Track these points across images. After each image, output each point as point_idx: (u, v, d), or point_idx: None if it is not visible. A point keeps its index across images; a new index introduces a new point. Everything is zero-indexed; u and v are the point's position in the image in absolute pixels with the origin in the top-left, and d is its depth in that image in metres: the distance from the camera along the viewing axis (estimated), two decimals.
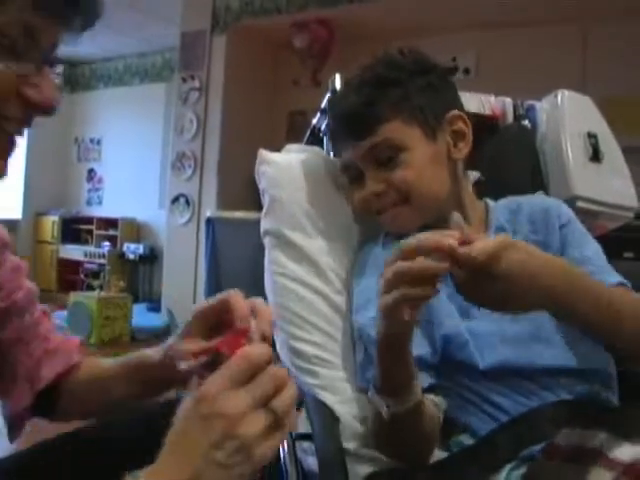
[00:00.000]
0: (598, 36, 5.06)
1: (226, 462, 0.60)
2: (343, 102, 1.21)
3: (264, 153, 1.37)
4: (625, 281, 1.07)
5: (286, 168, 1.33)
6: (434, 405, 1.01)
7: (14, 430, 1.00)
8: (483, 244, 0.78)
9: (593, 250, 1.14)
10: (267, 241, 1.30)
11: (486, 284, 0.80)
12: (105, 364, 1.04)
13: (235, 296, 0.83)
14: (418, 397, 0.93)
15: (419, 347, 1.02)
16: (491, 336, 1.06)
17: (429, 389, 1.01)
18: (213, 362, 0.68)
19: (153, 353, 0.94)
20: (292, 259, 1.26)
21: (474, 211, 1.21)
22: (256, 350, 0.65)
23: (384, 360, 0.92)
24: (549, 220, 1.16)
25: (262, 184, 1.34)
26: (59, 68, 0.76)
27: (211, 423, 0.60)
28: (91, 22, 0.75)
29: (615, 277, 1.08)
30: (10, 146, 0.74)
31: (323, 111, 1.64)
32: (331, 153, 1.42)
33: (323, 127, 1.30)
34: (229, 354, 0.66)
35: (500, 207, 1.23)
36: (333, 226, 1.29)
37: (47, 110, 0.73)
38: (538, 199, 1.26)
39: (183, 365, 0.77)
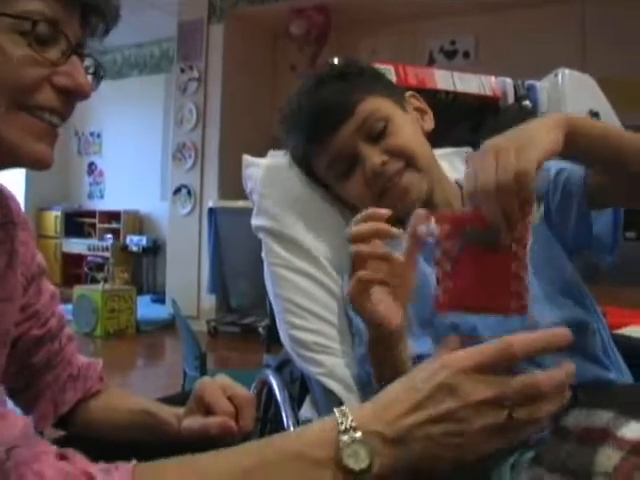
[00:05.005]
0: (596, 16, 5.03)
1: (436, 439, 0.57)
2: (311, 100, 1.20)
3: (249, 158, 1.40)
4: None
5: (272, 168, 1.35)
6: None
7: None
8: None
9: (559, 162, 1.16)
10: (261, 235, 1.32)
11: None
12: (122, 406, 1.06)
13: (208, 389, 0.96)
14: None
15: (422, 345, 1.01)
16: None
17: None
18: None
19: (172, 420, 0.98)
20: (286, 249, 1.27)
21: (452, 192, 1.20)
22: (520, 343, 0.59)
23: (377, 363, 0.92)
24: None
25: (249, 186, 1.37)
26: (88, 61, 0.80)
27: (443, 396, 0.57)
28: (109, 18, 0.80)
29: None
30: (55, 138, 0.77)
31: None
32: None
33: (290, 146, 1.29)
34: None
35: None
36: (324, 215, 1.29)
37: (82, 95, 0.76)
38: None
39: None
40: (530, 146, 0.81)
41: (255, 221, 1.33)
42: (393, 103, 1.19)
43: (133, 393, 1.13)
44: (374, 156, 1.14)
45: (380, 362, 0.92)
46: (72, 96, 0.76)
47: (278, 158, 1.37)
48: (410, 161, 1.14)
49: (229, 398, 0.95)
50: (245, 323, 5.75)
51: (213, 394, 0.94)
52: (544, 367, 0.60)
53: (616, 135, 0.94)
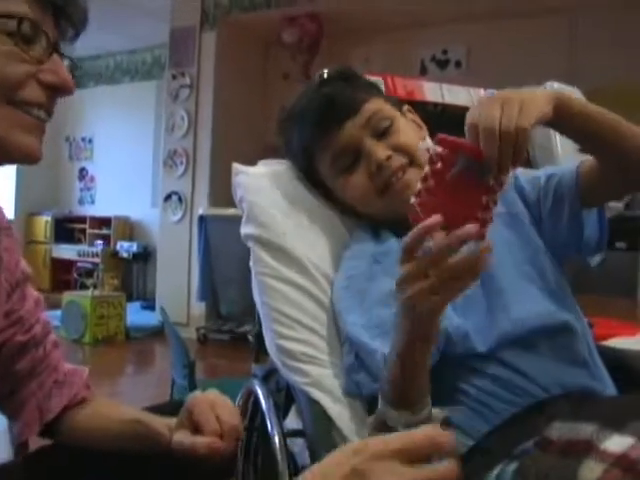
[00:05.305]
0: (587, 26, 5.06)
1: None
2: (317, 96, 1.24)
3: (238, 166, 1.40)
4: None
5: (263, 176, 1.36)
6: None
7: (21, 449, 1.03)
8: None
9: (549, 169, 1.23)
10: (250, 244, 1.32)
11: None
12: (113, 415, 1.06)
13: (198, 405, 0.96)
14: (429, 407, 0.92)
15: None
16: (483, 318, 1.07)
17: None
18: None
19: (165, 430, 0.98)
20: (275, 258, 1.27)
21: None
22: (442, 437, 0.57)
23: (403, 373, 0.91)
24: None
25: (239, 194, 1.37)
26: (66, 62, 0.83)
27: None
28: (77, 21, 0.83)
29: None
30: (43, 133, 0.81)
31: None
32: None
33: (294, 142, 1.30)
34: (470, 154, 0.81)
35: None
36: (315, 224, 1.30)
37: (67, 91, 0.81)
38: None
39: None
40: (532, 105, 0.88)
41: (244, 229, 1.33)
42: (393, 107, 1.25)
43: (122, 401, 1.13)
44: (379, 150, 1.18)
45: (407, 366, 0.91)
46: (57, 92, 0.80)
47: (268, 167, 1.38)
48: (412, 159, 1.18)
49: (217, 417, 0.95)
50: (234, 331, 5.74)
51: (202, 412, 0.95)
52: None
53: (596, 111, 1.00)
